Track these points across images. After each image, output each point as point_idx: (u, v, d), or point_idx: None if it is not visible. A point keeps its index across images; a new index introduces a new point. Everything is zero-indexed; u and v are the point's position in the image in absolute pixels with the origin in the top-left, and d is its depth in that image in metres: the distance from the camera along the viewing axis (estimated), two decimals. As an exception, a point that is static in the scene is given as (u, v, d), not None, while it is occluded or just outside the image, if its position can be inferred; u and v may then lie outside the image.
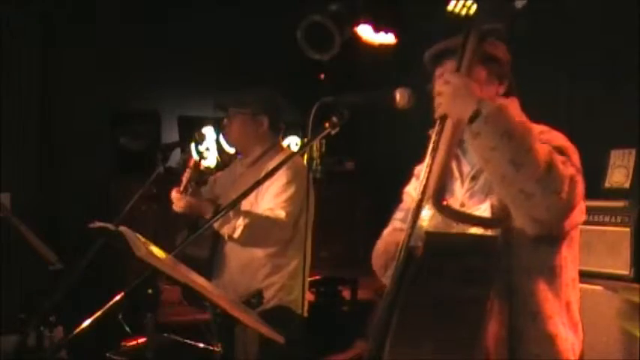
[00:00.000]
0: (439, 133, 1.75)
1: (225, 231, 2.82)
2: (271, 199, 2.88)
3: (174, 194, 2.95)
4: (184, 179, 2.97)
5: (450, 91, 1.68)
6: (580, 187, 1.68)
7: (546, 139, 1.74)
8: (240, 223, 2.78)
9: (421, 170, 2.11)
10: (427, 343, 1.56)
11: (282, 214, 2.85)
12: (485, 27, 1.73)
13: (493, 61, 1.89)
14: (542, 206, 1.60)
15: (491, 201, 1.79)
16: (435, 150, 1.75)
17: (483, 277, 1.61)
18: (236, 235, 2.79)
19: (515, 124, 1.61)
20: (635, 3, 3.24)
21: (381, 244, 1.99)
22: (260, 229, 2.83)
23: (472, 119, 1.62)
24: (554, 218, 1.66)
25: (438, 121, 1.76)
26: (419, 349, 1.56)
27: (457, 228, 1.74)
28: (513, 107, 1.91)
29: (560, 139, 1.80)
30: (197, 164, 3.06)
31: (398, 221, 2.10)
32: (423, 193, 1.71)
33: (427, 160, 1.76)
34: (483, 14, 1.70)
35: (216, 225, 2.78)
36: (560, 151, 1.71)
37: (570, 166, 1.67)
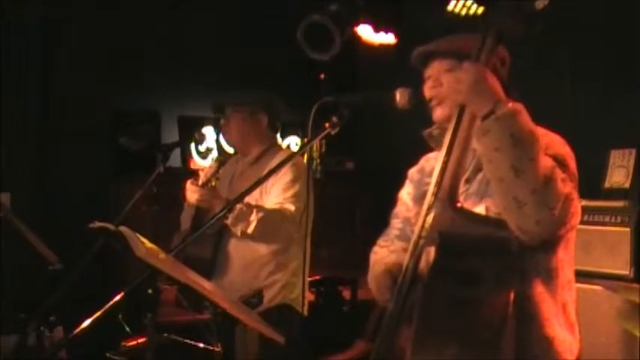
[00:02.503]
0: (455, 127, 1.73)
1: (239, 228, 2.82)
2: (278, 194, 2.89)
3: (190, 185, 2.94)
4: (205, 173, 2.96)
5: (471, 80, 1.65)
6: (574, 206, 1.68)
7: (544, 144, 1.73)
8: (254, 218, 2.79)
9: (414, 172, 2.12)
10: (451, 346, 1.56)
11: (291, 207, 2.87)
12: (503, 28, 1.71)
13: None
14: (532, 218, 1.60)
15: (486, 204, 1.79)
16: (450, 147, 1.72)
17: (501, 279, 1.61)
18: (250, 230, 2.80)
19: (524, 131, 1.60)
20: (636, 4, 3.24)
21: (382, 266, 1.89)
22: (272, 222, 2.84)
23: (486, 116, 1.62)
24: (543, 232, 1.65)
25: (455, 114, 1.73)
26: (442, 351, 1.56)
27: (473, 229, 1.73)
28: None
29: (558, 144, 1.79)
30: (224, 160, 3.07)
31: (396, 229, 2.08)
32: (436, 192, 1.70)
33: (442, 158, 1.73)
34: (502, 14, 1.68)
35: (229, 221, 2.79)
36: (558, 159, 1.71)
37: (569, 183, 1.67)
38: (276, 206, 2.88)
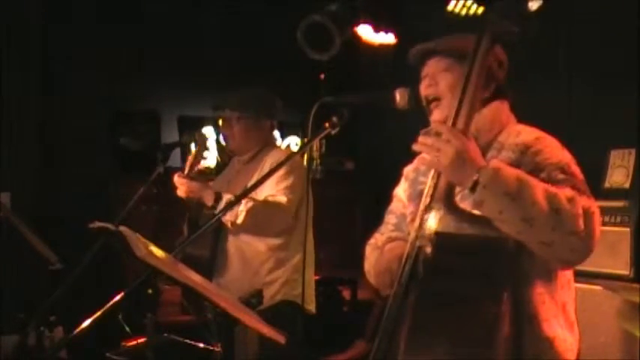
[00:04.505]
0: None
1: (227, 218, 2.82)
2: (271, 187, 2.89)
3: (177, 178, 2.94)
4: (188, 163, 2.97)
5: (450, 154, 1.62)
6: (597, 216, 1.66)
7: (544, 155, 1.73)
8: (242, 208, 2.79)
9: (410, 171, 2.12)
10: (443, 345, 1.57)
11: (283, 199, 2.86)
12: (497, 31, 1.70)
13: None
14: (564, 250, 1.62)
15: None
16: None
17: (495, 278, 1.61)
18: (239, 220, 2.80)
19: (513, 183, 1.59)
20: (635, 3, 3.24)
21: (382, 261, 1.90)
22: (262, 213, 2.84)
23: (472, 187, 1.61)
24: (582, 255, 1.66)
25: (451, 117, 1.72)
26: (435, 349, 1.56)
27: (468, 229, 1.73)
28: (503, 110, 1.91)
29: (557, 151, 1.78)
30: (201, 147, 3.07)
31: (391, 225, 2.09)
32: (433, 192, 1.70)
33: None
34: (496, 16, 1.68)
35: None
36: (562, 167, 1.71)
37: (578, 198, 1.64)
38: (269, 198, 2.88)
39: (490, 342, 1.56)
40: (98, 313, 1.79)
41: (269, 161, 2.94)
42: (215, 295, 1.98)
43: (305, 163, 3.47)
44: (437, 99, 1.90)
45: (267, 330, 1.99)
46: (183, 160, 4.75)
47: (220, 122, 3.19)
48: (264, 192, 2.91)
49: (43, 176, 4.35)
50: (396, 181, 2.18)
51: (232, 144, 3.18)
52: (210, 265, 3.02)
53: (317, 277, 4.36)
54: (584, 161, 1.82)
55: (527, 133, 1.82)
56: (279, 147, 3.50)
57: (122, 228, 1.84)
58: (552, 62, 3.74)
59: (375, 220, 2.20)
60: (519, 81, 1.99)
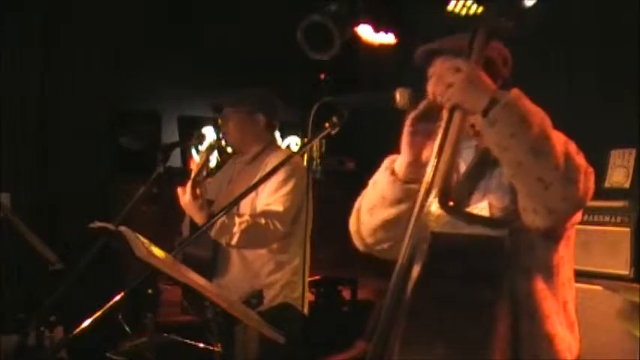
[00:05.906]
0: (446, 128, 1.71)
1: (223, 240, 2.82)
2: (269, 195, 2.89)
3: (180, 190, 2.91)
4: (196, 166, 2.93)
5: (462, 79, 1.61)
6: (592, 180, 1.65)
7: None
8: (236, 230, 2.78)
9: (394, 160, 2.11)
10: (439, 345, 1.56)
11: (279, 208, 2.85)
12: (494, 26, 1.70)
13: (486, 63, 1.87)
14: (558, 196, 1.57)
15: (489, 200, 1.79)
16: (441, 147, 1.72)
17: (492, 278, 1.60)
18: (234, 242, 2.80)
19: (532, 112, 1.58)
20: (635, 3, 3.24)
21: (372, 198, 1.90)
22: (256, 231, 2.82)
23: (486, 110, 1.58)
24: (570, 209, 1.64)
25: (445, 115, 1.72)
26: (430, 351, 1.56)
27: (465, 229, 1.72)
28: None
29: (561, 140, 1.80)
30: (214, 145, 3.04)
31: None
32: (428, 191, 1.70)
33: (433, 158, 1.73)
34: (492, 13, 1.68)
35: (213, 234, 2.78)
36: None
37: (582, 156, 1.65)
38: (264, 207, 2.87)
39: (488, 342, 1.55)
40: (98, 313, 1.79)
41: (272, 163, 2.91)
42: (215, 296, 1.99)
43: (305, 164, 3.47)
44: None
45: (266, 330, 2.00)
46: (184, 160, 4.78)
47: (220, 122, 3.20)
48: (262, 199, 2.91)
49: (42, 176, 4.35)
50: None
51: (229, 139, 3.19)
52: (211, 265, 3.02)
53: (317, 277, 4.39)
54: (584, 161, 1.82)
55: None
56: (283, 149, 3.49)
57: (122, 228, 1.84)
58: (552, 62, 3.74)
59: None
60: (519, 80, 1.99)
